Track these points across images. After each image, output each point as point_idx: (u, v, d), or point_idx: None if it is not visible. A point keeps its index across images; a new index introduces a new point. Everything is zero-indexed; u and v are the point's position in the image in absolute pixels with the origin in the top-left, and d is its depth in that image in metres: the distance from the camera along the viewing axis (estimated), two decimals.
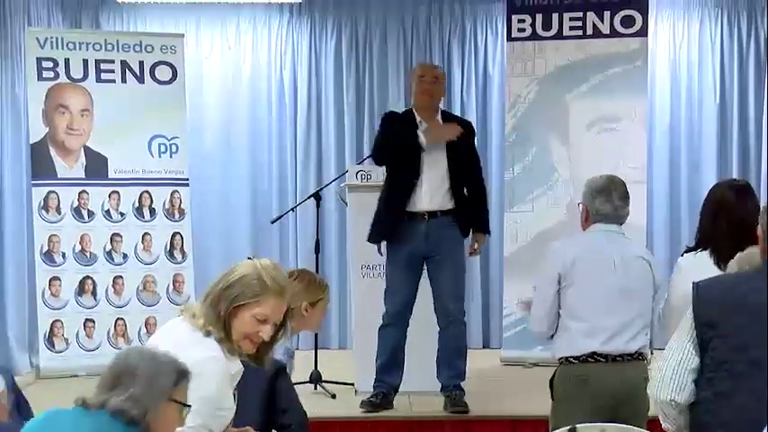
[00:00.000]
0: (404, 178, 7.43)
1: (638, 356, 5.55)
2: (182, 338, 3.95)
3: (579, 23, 9.34)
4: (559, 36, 9.37)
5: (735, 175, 10.11)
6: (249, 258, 4.20)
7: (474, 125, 9.99)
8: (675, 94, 10.76)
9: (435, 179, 7.42)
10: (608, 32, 9.31)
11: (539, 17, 9.35)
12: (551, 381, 5.71)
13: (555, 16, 9.34)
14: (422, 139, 7.33)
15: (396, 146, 7.48)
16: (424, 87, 7.55)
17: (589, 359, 5.53)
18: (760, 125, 10.38)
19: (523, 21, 9.38)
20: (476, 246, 7.70)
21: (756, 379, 3.69)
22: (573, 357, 5.58)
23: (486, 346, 10.46)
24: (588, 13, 9.31)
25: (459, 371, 7.58)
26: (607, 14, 9.29)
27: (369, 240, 7.71)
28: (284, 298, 4.11)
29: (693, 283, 4.00)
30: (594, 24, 9.31)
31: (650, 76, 9.88)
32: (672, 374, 3.92)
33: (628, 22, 9.29)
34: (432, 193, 7.42)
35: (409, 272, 7.52)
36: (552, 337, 5.71)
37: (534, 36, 9.39)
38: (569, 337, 5.61)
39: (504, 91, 10.09)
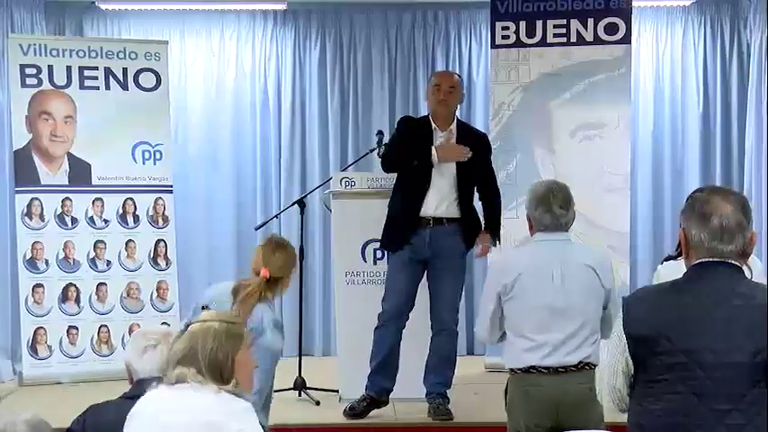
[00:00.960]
0: (415, 186, 7.46)
1: (582, 367, 5.57)
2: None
3: (563, 30, 9.35)
4: (543, 43, 9.38)
5: (718, 182, 10.16)
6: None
7: None
8: (659, 101, 10.80)
9: (444, 188, 7.46)
10: (592, 40, 9.32)
11: (522, 24, 9.36)
12: (505, 390, 5.81)
13: (539, 23, 9.35)
14: (434, 156, 7.37)
15: (408, 159, 7.49)
16: (440, 97, 7.56)
17: (531, 370, 5.58)
18: (743, 132, 10.39)
19: (507, 28, 9.39)
20: (480, 247, 7.73)
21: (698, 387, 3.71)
22: (516, 369, 5.66)
23: (470, 352, 10.47)
24: (572, 21, 9.33)
25: (446, 379, 7.60)
26: (591, 22, 9.30)
27: (382, 248, 7.83)
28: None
29: (623, 298, 4.03)
30: (578, 31, 9.32)
31: (634, 83, 9.91)
32: (610, 391, 4.00)
33: (611, 29, 9.30)
34: (439, 200, 7.46)
35: (409, 274, 7.54)
36: (501, 339, 5.78)
37: (518, 43, 9.39)
38: (512, 351, 5.69)
39: (488, 98, 10.08)
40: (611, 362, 3.95)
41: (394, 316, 7.53)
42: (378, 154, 7.83)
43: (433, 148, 7.39)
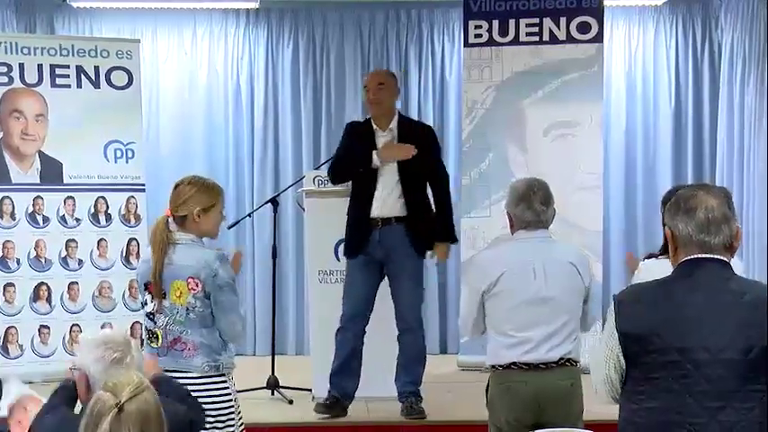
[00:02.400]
0: (363, 190, 7.47)
1: (563, 363, 5.61)
2: None
3: (536, 29, 9.39)
4: (516, 42, 9.41)
5: (690, 180, 10.19)
6: None
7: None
8: (631, 100, 10.85)
9: (388, 186, 7.46)
10: (564, 39, 9.36)
11: (495, 23, 9.39)
12: (487, 387, 5.82)
13: (512, 22, 9.38)
14: (375, 160, 7.38)
15: (351, 169, 7.56)
16: (370, 97, 7.58)
17: (511, 366, 5.62)
18: (714, 129, 10.46)
19: (480, 27, 9.42)
20: (437, 255, 7.72)
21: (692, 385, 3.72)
22: (497, 366, 5.69)
23: (443, 351, 10.50)
24: (545, 20, 9.36)
25: (416, 377, 7.62)
26: (563, 21, 9.34)
27: (346, 256, 7.76)
28: None
29: (614, 296, 4.04)
30: (551, 30, 9.37)
31: (606, 82, 9.95)
32: (605, 381, 4.00)
33: (583, 28, 9.34)
34: (383, 199, 7.45)
35: (365, 276, 7.55)
36: (484, 332, 5.81)
37: (491, 42, 9.42)
38: (493, 348, 5.72)
39: (460, 97, 10.11)
40: (604, 356, 3.96)
41: (352, 319, 7.56)
42: None
43: (374, 151, 7.40)
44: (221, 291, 5.47)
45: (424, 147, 7.52)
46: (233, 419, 5.58)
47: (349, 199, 7.68)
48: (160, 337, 5.57)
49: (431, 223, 7.57)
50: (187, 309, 5.47)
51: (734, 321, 3.72)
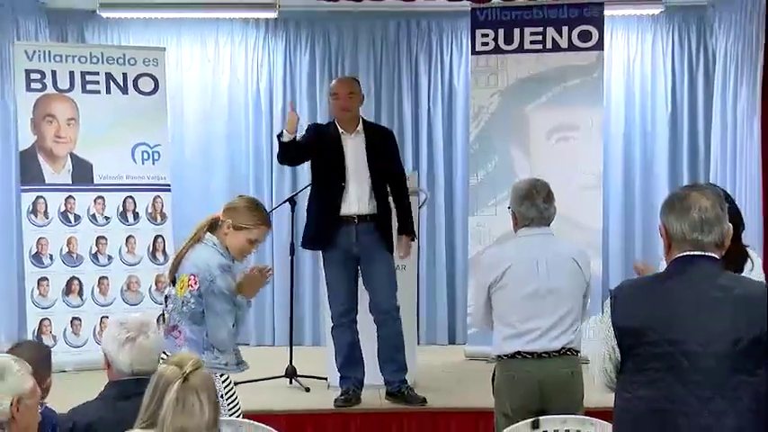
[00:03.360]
0: (332, 187, 7.49)
1: (565, 352, 5.64)
2: None
3: (539, 38, 9.39)
4: (521, 50, 9.41)
5: (685, 180, 10.20)
6: None
7: (438, 134, 10.15)
8: (629, 104, 10.83)
9: (362, 185, 7.49)
10: (566, 46, 9.37)
11: (501, 32, 9.40)
12: (492, 376, 5.86)
13: (516, 31, 9.39)
14: (347, 155, 7.49)
15: (301, 160, 7.87)
16: (342, 104, 7.57)
17: (516, 356, 5.65)
18: (709, 132, 10.43)
19: (487, 35, 9.43)
20: (402, 249, 7.72)
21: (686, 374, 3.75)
22: (504, 355, 5.72)
23: (451, 342, 10.51)
24: (548, 28, 9.37)
25: (401, 364, 7.65)
26: (565, 29, 9.34)
27: (303, 246, 7.89)
28: None
29: (610, 291, 4.07)
30: (554, 39, 9.37)
31: (606, 88, 9.93)
32: (601, 373, 4.03)
33: (585, 36, 9.34)
34: (359, 197, 7.48)
35: (347, 272, 7.59)
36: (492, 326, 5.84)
37: (497, 50, 9.44)
38: (499, 339, 5.74)
39: (468, 102, 10.12)
40: (601, 348, 3.98)
41: (345, 314, 7.60)
42: None
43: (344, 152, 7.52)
44: (214, 296, 5.49)
45: (388, 149, 7.66)
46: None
47: (310, 195, 7.78)
48: (166, 320, 5.68)
49: (397, 219, 7.67)
50: (182, 302, 5.53)
51: (723, 315, 3.74)
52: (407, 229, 7.73)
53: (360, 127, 7.62)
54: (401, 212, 7.68)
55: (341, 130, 7.56)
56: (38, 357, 4.94)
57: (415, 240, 7.94)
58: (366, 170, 7.50)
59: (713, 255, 3.86)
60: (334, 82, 7.98)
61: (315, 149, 7.59)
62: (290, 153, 7.52)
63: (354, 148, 7.54)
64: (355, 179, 7.48)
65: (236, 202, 5.76)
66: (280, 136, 7.42)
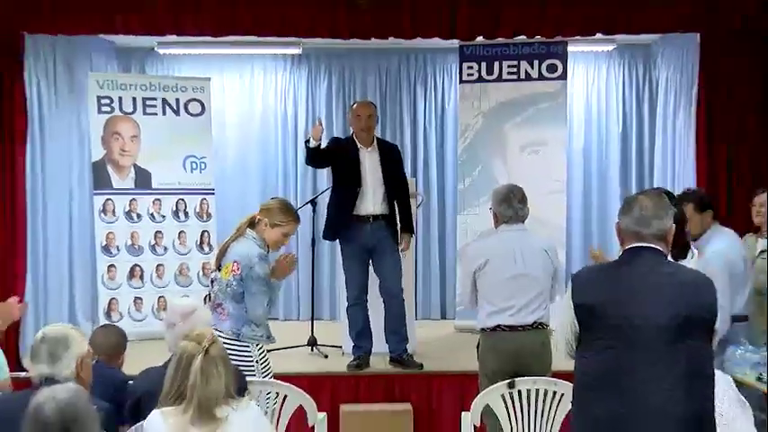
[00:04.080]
0: (347, 192, 7.47)
1: (536, 326, 5.71)
2: None
3: (515, 69, 9.38)
4: (499, 79, 9.40)
5: (633, 189, 10.20)
6: None
7: (432, 149, 10.16)
8: (588, 124, 10.82)
9: (377, 191, 7.49)
10: (536, 77, 9.36)
11: (483, 64, 9.39)
12: (477, 345, 5.91)
13: (496, 64, 9.38)
14: (363, 165, 7.48)
15: (323, 165, 7.95)
16: (363, 124, 7.55)
17: (497, 329, 5.71)
18: (653, 147, 10.40)
19: (472, 67, 9.42)
20: (404, 244, 7.67)
21: (629, 344, 3.78)
22: (486, 328, 5.77)
23: (443, 317, 10.50)
24: (521, 62, 9.36)
25: (403, 336, 7.64)
26: (536, 63, 9.34)
27: (324, 238, 7.84)
28: None
29: (572, 275, 4.13)
30: (526, 70, 9.36)
31: (568, 110, 9.91)
32: (564, 343, 4.06)
33: (551, 68, 9.34)
34: (373, 201, 7.48)
35: (361, 262, 7.57)
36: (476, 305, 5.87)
37: (480, 79, 9.42)
38: (483, 314, 5.79)
39: (456, 121, 10.13)
40: (564, 322, 4.01)
41: (357, 297, 7.59)
42: None
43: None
44: (252, 281, 5.55)
45: (395, 162, 7.66)
46: (253, 375, 5.58)
47: (331, 197, 7.74)
48: (212, 298, 5.77)
49: (401, 219, 7.65)
50: (227, 284, 5.59)
51: (664, 296, 3.77)
52: (409, 227, 7.73)
53: (375, 143, 7.60)
54: (404, 213, 7.67)
55: (359, 145, 7.53)
56: (119, 338, 4.98)
57: (414, 235, 7.90)
58: (381, 179, 7.49)
59: (656, 246, 3.88)
60: (357, 104, 7.94)
61: (334, 158, 7.58)
62: (314, 157, 7.49)
63: (371, 161, 7.52)
64: (371, 186, 7.48)
65: (271, 203, 5.82)
66: (307, 142, 7.40)
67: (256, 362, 5.61)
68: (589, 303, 3.90)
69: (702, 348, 3.73)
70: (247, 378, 4.95)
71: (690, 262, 5.38)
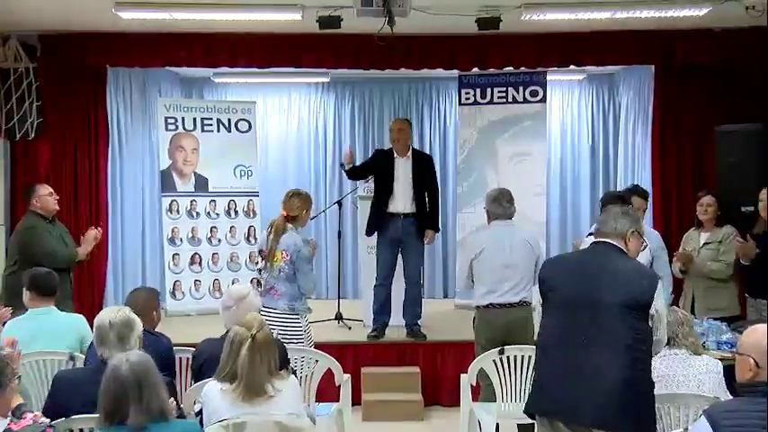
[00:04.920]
0: (383, 194, 7.47)
1: (521, 304, 5.70)
2: None
3: (504, 94, 9.33)
4: (491, 102, 9.36)
5: (600, 192, 10.16)
6: None
7: (436, 159, 10.16)
8: (563, 139, 10.80)
9: (407, 193, 7.44)
10: (522, 100, 9.31)
11: (478, 90, 9.36)
12: (474, 319, 5.91)
13: (488, 89, 9.34)
14: (397, 171, 7.45)
15: (365, 176, 7.84)
16: (393, 136, 7.55)
17: (489, 306, 5.70)
18: (616, 158, 10.37)
19: (469, 92, 9.39)
20: (427, 239, 7.60)
21: (571, 312, 3.82)
22: (481, 306, 5.76)
23: (445, 296, 10.50)
24: (509, 88, 9.32)
25: (417, 313, 7.64)
26: (521, 89, 9.30)
27: (366, 234, 7.76)
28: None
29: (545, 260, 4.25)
30: (513, 95, 9.32)
31: (548, 128, 9.84)
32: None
33: (534, 93, 9.29)
34: (404, 202, 7.44)
35: (391, 251, 7.53)
36: (472, 287, 5.87)
37: (475, 102, 9.39)
38: (478, 294, 5.78)
39: (456, 137, 10.10)
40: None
41: (384, 279, 7.56)
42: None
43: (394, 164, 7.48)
44: (302, 261, 5.73)
45: (426, 169, 7.57)
46: (301, 343, 5.65)
47: (374, 197, 7.65)
48: (262, 285, 5.88)
49: (426, 217, 7.56)
50: (278, 269, 5.75)
51: (614, 281, 3.77)
52: (435, 225, 7.69)
53: (409, 153, 7.55)
54: (432, 213, 7.61)
55: (395, 155, 7.51)
56: (151, 297, 4.94)
57: (439, 232, 7.90)
58: (411, 183, 7.44)
59: (615, 243, 3.92)
60: (392, 121, 8.05)
61: (373, 168, 7.63)
62: (351, 175, 7.74)
63: (404, 168, 7.47)
64: (402, 188, 7.44)
65: (296, 202, 5.99)
66: (342, 166, 7.58)
67: (305, 331, 5.78)
68: (549, 279, 3.98)
69: (639, 326, 3.69)
70: (289, 347, 4.97)
71: (644, 252, 5.35)
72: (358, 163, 7.99)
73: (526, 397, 5.35)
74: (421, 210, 7.48)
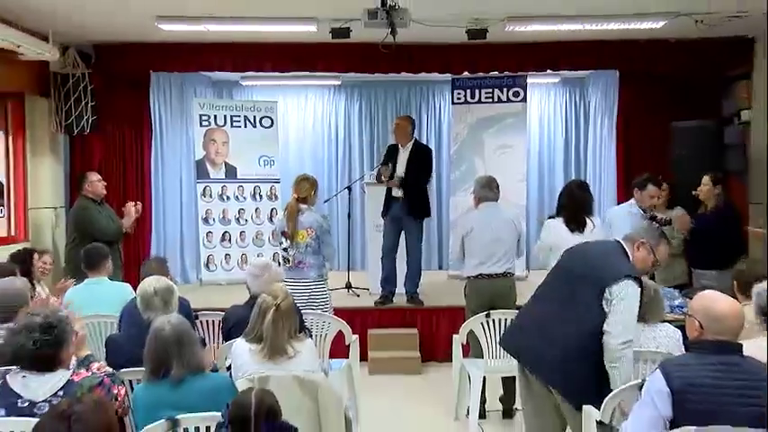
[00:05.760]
0: (390, 178, 7.43)
1: (505, 274, 5.66)
2: None
3: (491, 94, 9.32)
4: (479, 102, 9.35)
5: (573, 177, 10.13)
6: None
7: (434, 149, 10.19)
8: (541, 133, 10.75)
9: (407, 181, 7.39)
10: (506, 100, 9.31)
11: (468, 91, 9.35)
12: (464, 288, 5.87)
13: (477, 90, 9.33)
14: (399, 160, 7.42)
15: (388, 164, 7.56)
16: (394, 131, 7.57)
17: (478, 276, 5.68)
18: (586, 150, 10.37)
19: (460, 93, 9.38)
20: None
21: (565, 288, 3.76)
22: (471, 276, 5.74)
23: (440, 267, 10.47)
24: (495, 89, 9.31)
25: (416, 282, 7.61)
26: (505, 90, 9.29)
27: (381, 215, 7.68)
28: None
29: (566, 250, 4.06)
30: (498, 95, 9.31)
31: (528, 124, 9.82)
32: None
33: (516, 94, 9.28)
34: (404, 187, 7.38)
35: (392, 229, 7.52)
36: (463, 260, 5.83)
37: (466, 102, 9.38)
38: (469, 266, 5.76)
39: (450, 131, 10.07)
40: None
41: (388, 252, 7.55)
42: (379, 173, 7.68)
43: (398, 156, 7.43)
44: (325, 233, 5.78)
45: (420, 159, 7.47)
46: (328, 304, 5.69)
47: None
48: (290, 260, 5.81)
49: (424, 201, 7.55)
50: (305, 245, 5.73)
51: (594, 261, 3.73)
52: (416, 211, 7.48)
53: (410, 145, 7.48)
54: (419, 200, 7.48)
55: (399, 146, 7.50)
56: (161, 265, 4.95)
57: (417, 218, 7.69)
58: (403, 173, 7.38)
59: (624, 244, 3.83)
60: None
61: (387, 163, 7.50)
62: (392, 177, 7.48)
63: (402, 157, 7.44)
64: (400, 176, 7.39)
65: (306, 185, 5.92)
66: (385, 179, 7.43)
67: (329, 294, 5.88)
68: (565, 258, 3.91)
69: (594, 301, 3.55)
70: (315, 311, 5.01)
71: (590, 233, 5.28)
72: (375, 161, 7.92)
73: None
74: (409, 195, 7.39)
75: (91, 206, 6.76)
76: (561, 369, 3.56)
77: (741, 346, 2.95)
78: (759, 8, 6.24)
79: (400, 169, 7.40)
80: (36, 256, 5.88)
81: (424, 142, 10.41)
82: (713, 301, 3.01)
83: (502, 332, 5.31)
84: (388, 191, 7.51)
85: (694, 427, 2.81)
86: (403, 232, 7.51)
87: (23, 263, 5.59)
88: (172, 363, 3.14)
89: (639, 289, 3.55)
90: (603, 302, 3.50)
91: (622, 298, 3.49)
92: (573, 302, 3.61)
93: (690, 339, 3.08)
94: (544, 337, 3.64)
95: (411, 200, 7.39)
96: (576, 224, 5.36)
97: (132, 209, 7.02)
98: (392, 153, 7.54)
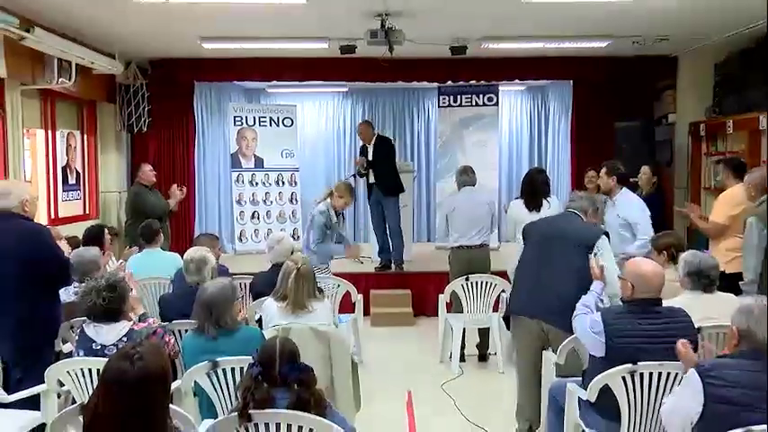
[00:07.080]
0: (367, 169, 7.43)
1: (481, 246, 5.62)
2: None
3: (470, 99, 9.27)
4: (460, 105, 9.30)
5: (536, 164, 10.11)
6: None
7: (422, 146, 10.16)
8: (510, 132, 10.71)
9: (375, 169, 7.36)
10: (482, 104, 9.27)
11: (452, 96, 9.28)
12: (449, 257, 5.83)
13: (458, 96, 9.27)
14: (369, 154, 7.39)
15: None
16: (359, 135, 7.65)
17: (460, 247, 5.64)
18: (546, 146, 10.36)
19: (446, 98, 9.31)
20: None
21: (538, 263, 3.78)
22: (454, 247, 5.70)
23: (428, 240, 10.46)
24: (473, 95, 9.25)
25: (400, 252, 7.57)
26: (481, 96, 9.24)
27: (368, 199, 7.68)
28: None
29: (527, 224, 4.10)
30: (476, 100, 9.27)
31: (499, 124, 9.80)
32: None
33: (490, 99, 9.25)
34: (374, 174, 7.37)
35: (375, 209, 7.54)
36: (448, 233, 5.76)
37: (449, 105, 9.32)
38: (452, 239, 5.71)
39: (437, 129, 10.01)
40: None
41: (376, 227, 7.58)
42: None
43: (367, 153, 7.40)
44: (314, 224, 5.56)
45: (383, 150, 7.42)
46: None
47: None
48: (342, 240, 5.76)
49: (397, 185, 7.47)
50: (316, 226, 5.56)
51: (574, 229, 3.77)
52: (386, 189, 7.41)
53: (374, 140, 7.47)
54: (386, 179, 7.42)
55: (366, 144, 7.50)
56: (210, 240, 4.98)
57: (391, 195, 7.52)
58: (374, 157, 7.39)
59: (577, 212, 3.90)
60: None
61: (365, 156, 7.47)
62: (364, 175, 7.50)
63: (371, 150, 7.43)
64: (373, 165, 7.38)
65: (340, 184, 5.74)
66: (359, 174, 7.41)
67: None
68: (527, 228, 3.97)
69: (587, 260, 3.56)
70: (321, 277, 5.04)
71: (546, 211, 5.26)
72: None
73: (484, 309, 5.43)
74: (381, 178, 7.35)
75: (142, 191, 7.00)
76: (561, 311, 3.54)
77: (661, 300, 3.06)
78: (681, 33, 6.50)
79: (372, 160, 7.42)
80: (106, 230, 5.90)
81: (415, 140, 10.51)
82: (639, 265, 3.12)
83: (477, 292, 5.37)
84: (368, 179, 7.49)
85: (630, 365, 2.91)
86: (384, 210, 7.48)
87: (97, 236, 5.61)
88: (212, 319, 3.18)
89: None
90: (591, 255, 3.58)
91: (606, 248, 3.65)
92: (562, 262, 3.63)
93: (624, 297, 3.14)
94: (544, 292, 3.68)
95: (386, 183, 7.36)
96: (534, 204, 5.34)
97: (177, 192, 7.19)
98: (363, 151, 7.56)
